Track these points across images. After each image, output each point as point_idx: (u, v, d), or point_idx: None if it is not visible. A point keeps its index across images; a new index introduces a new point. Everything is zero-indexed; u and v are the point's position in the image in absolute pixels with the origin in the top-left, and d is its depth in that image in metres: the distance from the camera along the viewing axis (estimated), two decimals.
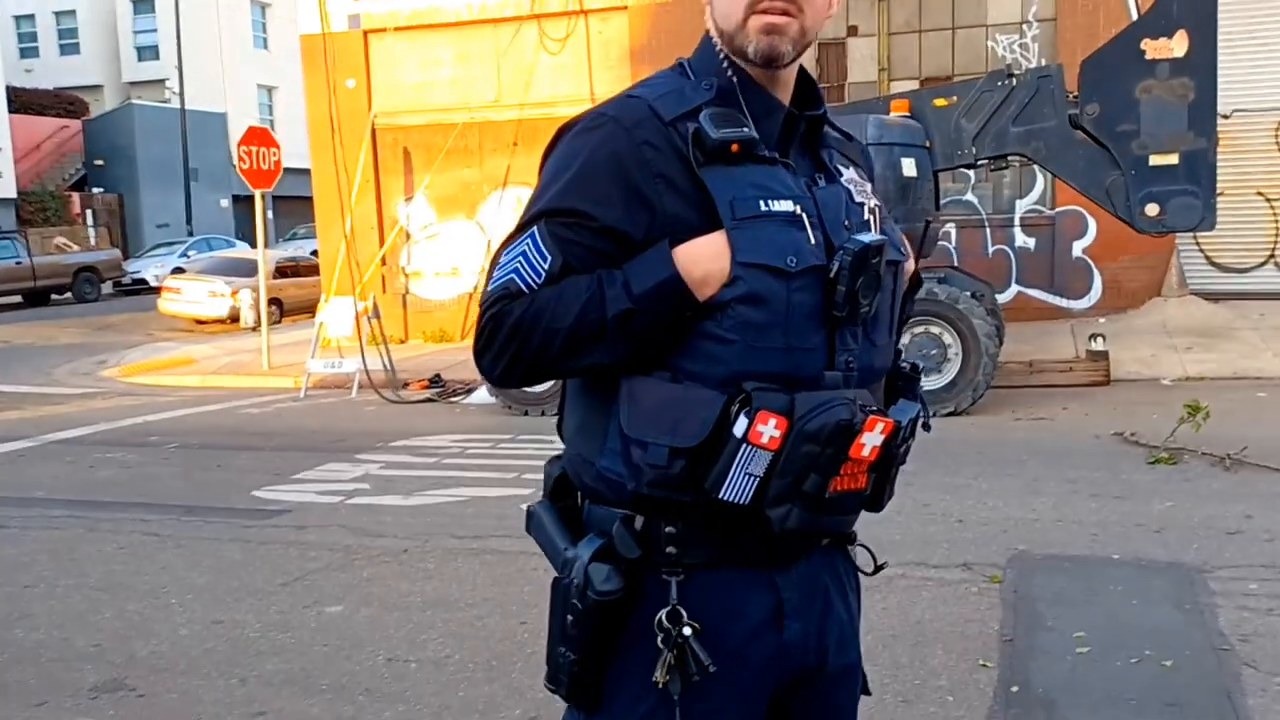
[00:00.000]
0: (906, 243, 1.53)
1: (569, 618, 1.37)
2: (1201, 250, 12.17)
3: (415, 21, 14.09)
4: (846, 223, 1.39)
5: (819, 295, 1.33)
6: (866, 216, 1.43)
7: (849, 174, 1.46)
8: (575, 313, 1.31)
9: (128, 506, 6.26)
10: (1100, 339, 9.46)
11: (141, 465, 7.53)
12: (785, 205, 1.34)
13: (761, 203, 1.33)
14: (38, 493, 6.74)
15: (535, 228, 1.36)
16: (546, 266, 1.34)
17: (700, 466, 1.30)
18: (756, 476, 1.28)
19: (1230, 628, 3.78)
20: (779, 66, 1.37)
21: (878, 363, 1.43)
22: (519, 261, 1.36)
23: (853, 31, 13.04)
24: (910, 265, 1.53)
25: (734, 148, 1.32)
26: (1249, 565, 4.41)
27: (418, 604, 4.40)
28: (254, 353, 13.34)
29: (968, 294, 8.35)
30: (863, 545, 1.53)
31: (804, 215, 1.34)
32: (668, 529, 1.35)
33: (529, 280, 1.34)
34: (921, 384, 1.55)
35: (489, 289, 1.39)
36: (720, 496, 1.29)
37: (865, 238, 1.34)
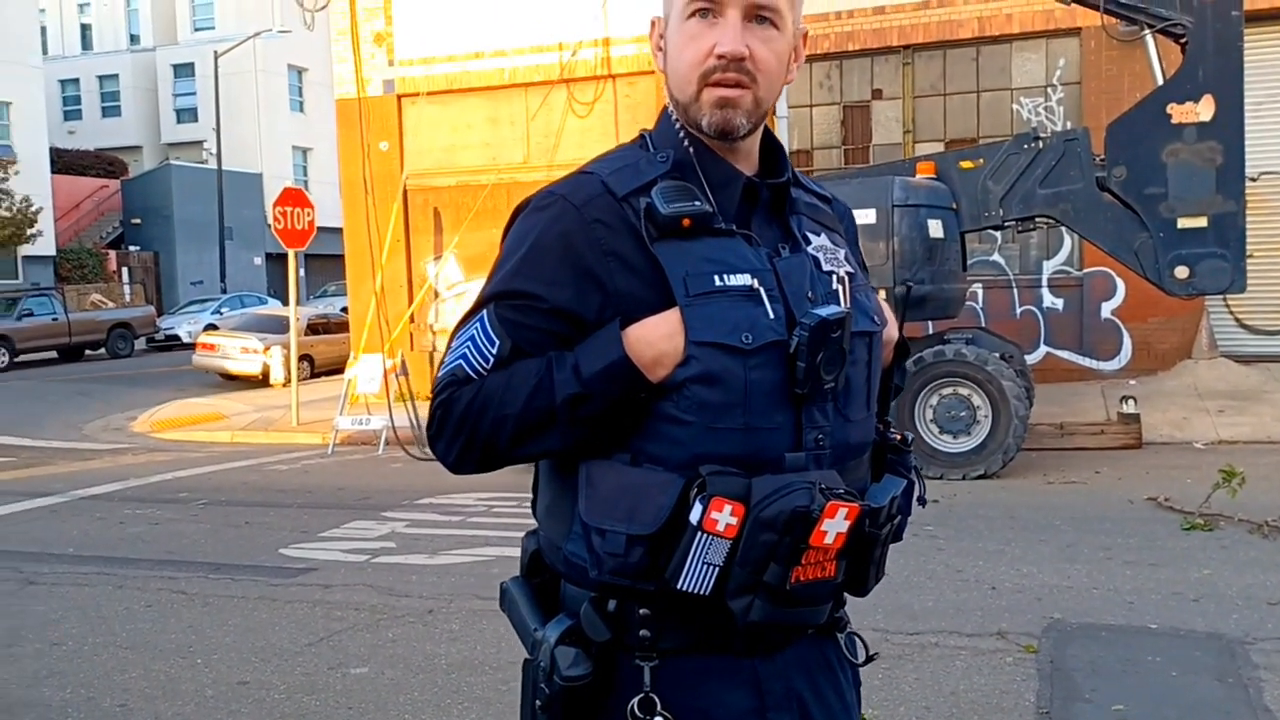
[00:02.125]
0: (885, 310, 1.47)
1: (538, 702, 1.31)
2: (1231, 312, 12.07)
3: (448, 86, 14.41)
4: (810, 294, 1.32)
5: (780, 372, 1.27)
6: (835, 286, 1.36)
7: (819, 241, 1.40)
8: (523, 398, 1.27)
9: (156, 564, 6.29)
10: (1131, 401, 9.37)
11: (170, 522, 7.57)
12: (742, 279, 1.28)
13: (716, 278, 1.27)
14: (68, 549, 6.78)
15: (484, 311, 1.33)
16: (494, 351, 1.30)
17: (660, 555, 1.23)
18: (716, 565, 1.21)
19: (1276, 703, 3.67)
20: (734, 139, 1.33)
21: (854, 438, 1.36)
22: (467, 347, 1.33)
23: (877, 94, 13.18)
24: (891, 333, 1.47)
25: (686, 222, 1.28)
26: None
27: (443, 667, 4.36)
28: (284, 409, 13.45)
29: (996, 355, 8.30)
30: (855, 634, 1.44)
31: (762, 289, 1.28)
32: (641, 611, 1.28)
33: (477, 366, 1.31)
34: (913, 456, 1.46)
35: (439, 375, 1.35)
36: (679, 587, 1.22)
37: (824, 311, 1.27)
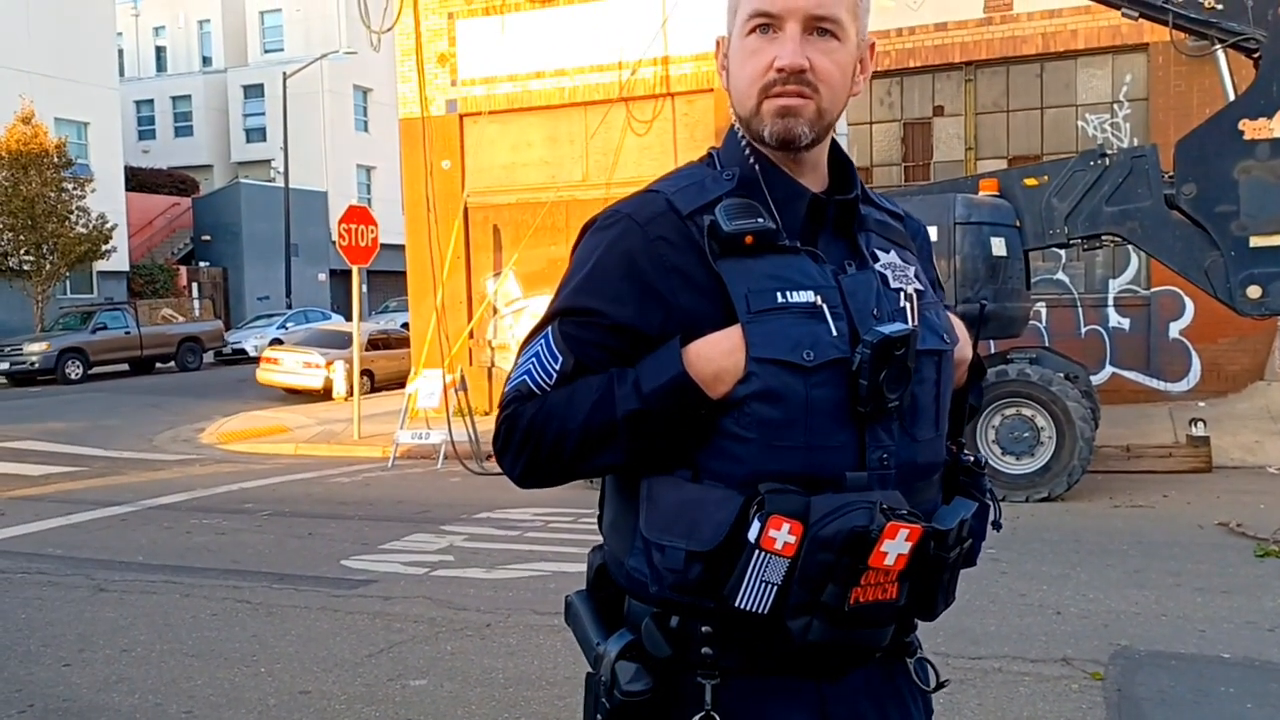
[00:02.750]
0: (958, 328, 1.45)
1: (598, 716, 1.31)
2: None
3: (508, 105, 14.61)
4: (875, 311, 1.30)
5: (843, 390, 1.25)
6: (902, 303, 1.34)
7: (888, 258, 1.38)
8: (585, 413, 1.28)
9: (221, 573, 6.42)
10: (1201, 424, 9.13)
11: (236, 532, 7.73)
12: (804, 296, 1.27)
13: (779, 294, 1.27)
14: (138, 557, 6.96)
15: (549, 328, 1.35)
16: (558, 367, 1.32)
17: (719, 572, 1.23)
18: (774, 584, 1.20)
19: None
20: (797, 149, 1.33)
21: (921, 459, 1.33)
22: (532, 363, 1.34)
23: (939, 111, 13.07)
24: (964, 352, 1.44)
25: (748, 239, 1.27)
26: None
27: (500, 681, 4.39)
28: (345, 422, 13.67)
29: (1061, 375, 8.16)
30: (925, 659, 1.41)
31: (825, 306, 1.27)
32: (704, 628, 1.28)
33: (540, 381, 1.33)
34: (988, 480, 1.43)
35: (505, 390, 1.37)
36: (737, 605, 1.21)
37: (888, 328, 1.25)
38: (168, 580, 6.27)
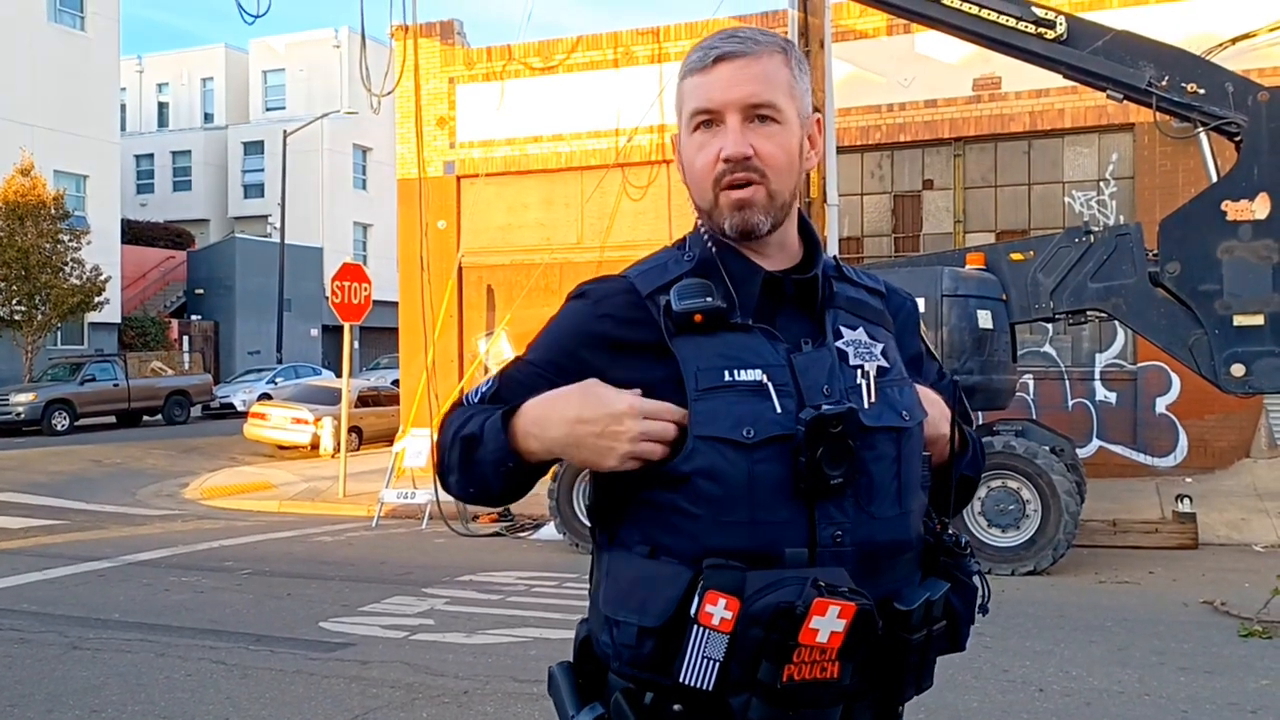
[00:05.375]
0: (934, 404, 1.46)
1: None
2: None
3: (505, 168, 14.80)
4: (826, 389, 1.33)
5: (787, 467, 1.28)
6: (858, 380, 1.36)
7: (853, 335, 1.40)
8: (462, 420, 1.42)
9: (198, 633, 6.33)
10: (1187, 500, 9.14)
11: (214, 591, 7.64)
12: (752, 374, 1.31)
13: (726, 373, 1.31)
14: (114, 614, 6.86)
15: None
16: (484, 390, 1.46)
17: (670, 648, 1.25)
18: (716, 661, 1.22)
19: None
20: (758, 238, 1.39)
21: (882, 537, 1.33)
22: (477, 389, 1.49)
23: (928, 185, 13.29)
24: (938, 428, 1.45)
25: (697, 317, 1.33)
26: None
27: None
28: (331, 480, 13.59)
29: (1047, 448, 8.19)
30: None
31: (770, 384, 1.30)
32: (675, 707, 1.28)
33: (470, 397, 1.47)
34: (973, 562, 1.42)
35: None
36: (680, 680, 1.23)
37: (827, 407, 1.28)
38: (143, 639, 6.18)
